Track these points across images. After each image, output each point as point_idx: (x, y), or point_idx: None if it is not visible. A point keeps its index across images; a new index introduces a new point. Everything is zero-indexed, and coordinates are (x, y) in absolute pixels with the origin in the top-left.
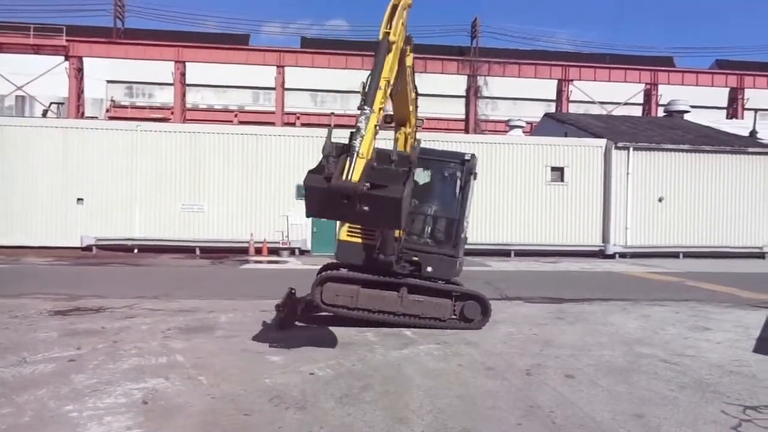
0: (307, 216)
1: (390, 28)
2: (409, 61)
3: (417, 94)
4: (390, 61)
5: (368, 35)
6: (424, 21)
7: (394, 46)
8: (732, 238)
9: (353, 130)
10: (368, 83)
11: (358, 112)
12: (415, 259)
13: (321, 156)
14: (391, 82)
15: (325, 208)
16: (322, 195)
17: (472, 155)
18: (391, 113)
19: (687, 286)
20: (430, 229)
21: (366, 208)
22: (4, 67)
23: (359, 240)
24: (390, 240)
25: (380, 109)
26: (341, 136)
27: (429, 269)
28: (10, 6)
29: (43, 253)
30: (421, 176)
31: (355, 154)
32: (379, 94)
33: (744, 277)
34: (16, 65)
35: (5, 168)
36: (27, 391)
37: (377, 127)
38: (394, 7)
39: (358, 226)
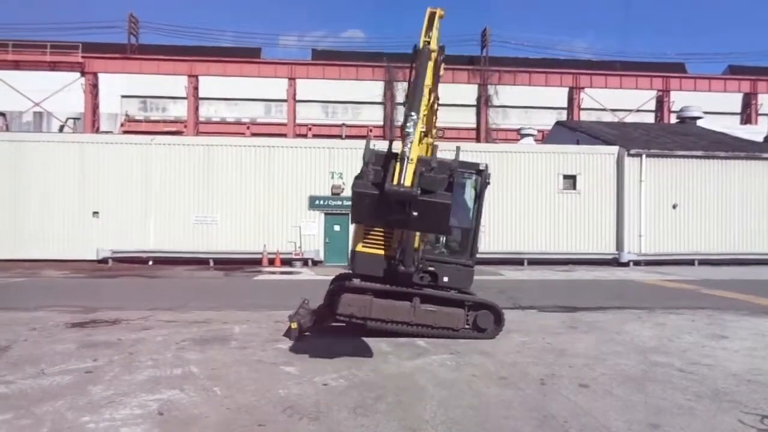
0: (354, 222)
1: (429, 38)
2: (441, 70)
3: (438, 104)
4: (430, 69)
5: (382, 46)
6: None
7: (433, 55)
8: (748, 245)
9: (404, 135)
10: (412, 91)
11: (408, 119)
12: (431, 269)
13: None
14: (432, 91)
15: (373, 214)
16: (372, 201)
17: (486, 165)
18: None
19: (702, 293)
20: (445, 238)
21: (415, 213)
22: (22, 84)
23: (377, 251)
24: (410, 251)
25: (424, 115)
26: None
27: (445, 279)
28: (28, 25)
29: (60, 266)
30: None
31: (406, 159)
32: (423, 101)
33: (761, 284)
34: (34, 82)
35: (23, 182)
36: (45, 403)
37: (422, 133)
38: (432, 16)
39: (376, 237)
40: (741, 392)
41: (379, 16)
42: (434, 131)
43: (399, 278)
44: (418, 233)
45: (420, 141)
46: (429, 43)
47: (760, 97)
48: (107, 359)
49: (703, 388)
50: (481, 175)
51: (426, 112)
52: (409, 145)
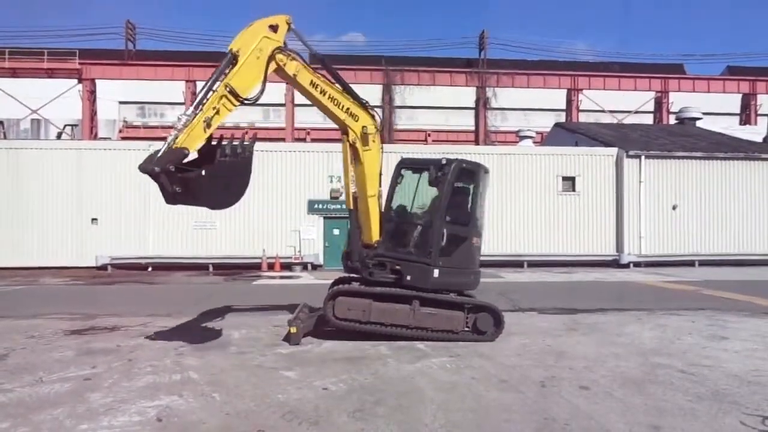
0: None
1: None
2: (291, 69)
3: (357, 101)
4: (237, 69)
5: (381, 50)
6: (430, 34)
7: (243, 55)
8: (748, 245)
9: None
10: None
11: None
12: (398, 267)
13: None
14: (243, 90)
15: (163, 192)
16: (156, 179)
17: (456, 160)
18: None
19: (703, 294)
20: (413, 237)
21: (178, 189)
22: (20, 92)
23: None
24: (355, 246)
25: (213, 108)
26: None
27: (408, 278)
28: (25, 32)
29: (59, 273)
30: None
31: (166, 144)
32: (213, 96)
33: (762, 284)
34: (31, 89)
35: (21, 190)
36: (44, 411)
37: (206, 123)
38: (250, 26)
39: (350, 236)
40: (742, 393)
41: (380, 19)
42: (357, 130)
43: (350, 273)
44: (364, 230)
45: (205, 131)
46: (232, 49)
47: (759, 97)
48: (106, 366)
49: (704, 390)
50: (441, 171)
51: (216, 106)
52: (174, 133)
